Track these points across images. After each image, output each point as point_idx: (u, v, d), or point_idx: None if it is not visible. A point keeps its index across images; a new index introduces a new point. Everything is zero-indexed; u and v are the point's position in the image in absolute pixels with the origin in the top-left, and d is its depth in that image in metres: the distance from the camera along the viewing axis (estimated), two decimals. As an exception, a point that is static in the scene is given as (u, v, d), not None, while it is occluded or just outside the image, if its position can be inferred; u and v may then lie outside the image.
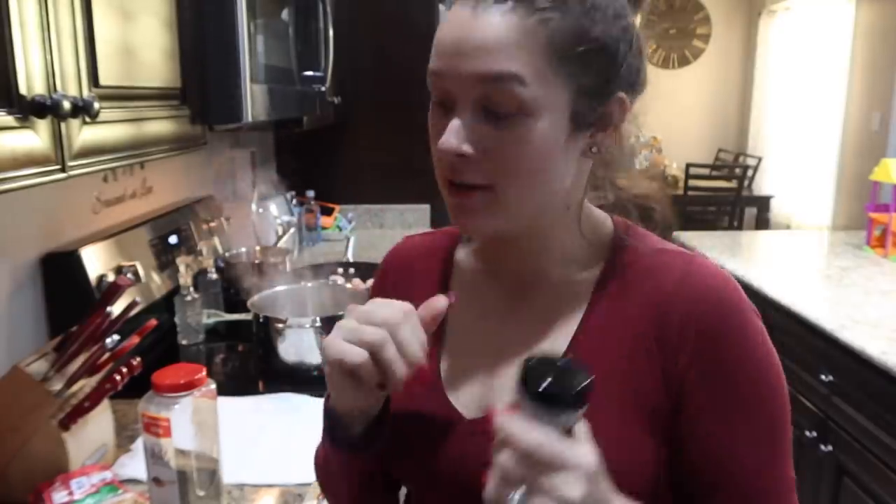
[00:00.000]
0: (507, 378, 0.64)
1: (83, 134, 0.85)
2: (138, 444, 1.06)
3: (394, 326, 0.57)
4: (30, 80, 0.74)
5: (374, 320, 0.57)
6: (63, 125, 0.81)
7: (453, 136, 0.59)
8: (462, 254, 0.76)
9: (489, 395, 0.66)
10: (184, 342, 1.61)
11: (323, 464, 0.73)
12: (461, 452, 0.65)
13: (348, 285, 1.84)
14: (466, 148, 0.59)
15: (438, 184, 0.64)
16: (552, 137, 0.59)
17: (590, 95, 0.60)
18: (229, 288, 1.80)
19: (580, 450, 0.48)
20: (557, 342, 0.65)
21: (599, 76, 0.60)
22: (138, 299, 1.03)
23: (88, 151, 0.87)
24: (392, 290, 0.76)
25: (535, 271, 0.69)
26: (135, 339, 1.01)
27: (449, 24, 0.60)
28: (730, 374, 0.61)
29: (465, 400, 0.68)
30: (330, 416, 0.66)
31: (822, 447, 1.85)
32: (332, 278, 1.97)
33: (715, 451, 0.61)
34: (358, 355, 0.56)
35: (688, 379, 0.61)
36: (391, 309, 0.58)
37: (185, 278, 1.58)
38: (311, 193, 2.71)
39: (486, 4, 0.57)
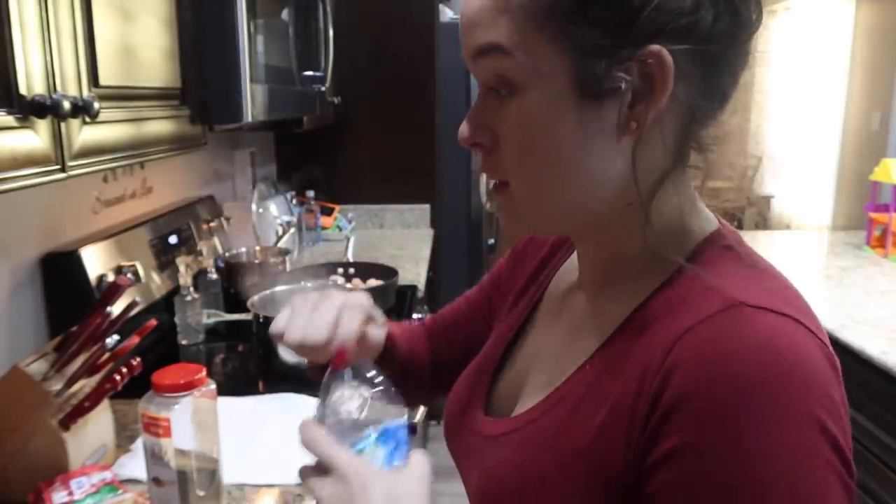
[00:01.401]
0: (528, 387, 0.62)
1: (83, 134, 0.85)
2: (138, 444, 1.06)
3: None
4: (30, 80, 0.74)
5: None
6: (63, 125, 0.81)
7: (466, 123, 0.55)
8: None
9: (512, 400, 0.64)
10: (184, 342, 1.61)
11: None
12: (466, 442, 0.66)
13: (348, 285, 1.84)
14: (477, 136, 0.55)
15: None
16: (556, 110, 0.49)
17: (600, 54, 0.47)
18: (229, 288, 1.80)
19: (350, 460, 0.53)
20: (567, 368, 0.57)
21: (606, 27, 0.47)
22: (138, 299, 1.03)
23: (88, 151, 0.87)
24: (514, 259, 0.78)
25: (591, 277, 0.60)
26: (135, 339, 1.01)
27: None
28: (690, 482, 0.43)
29: (499, 395, 0.68)
30: None
31: (822, 447, 1.85)
32: (332, 278, 1.97)
33: None
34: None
35: (647, 457, 0.46)
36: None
37: (185, 278, 1.58)
38: (311, 193, 2.71)
39: None
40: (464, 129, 0.55)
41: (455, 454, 0.69)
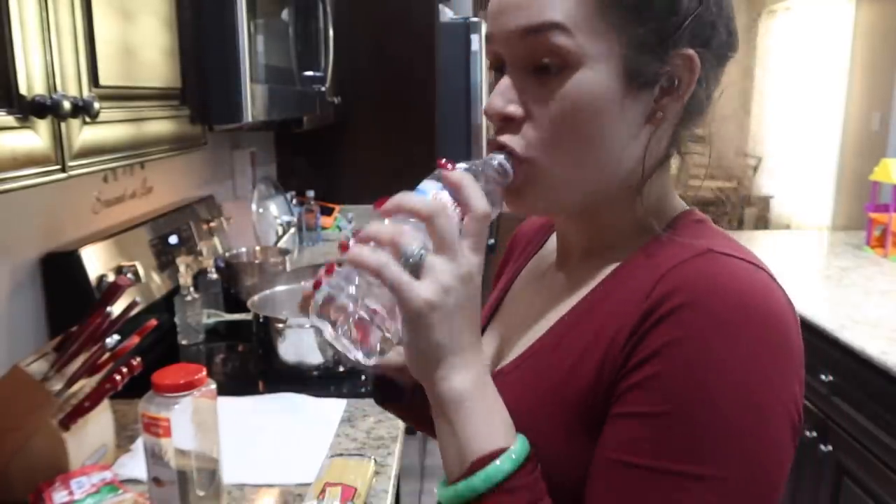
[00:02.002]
0: (510, 348, 0.67)
1: (83, 134, 0.85)
2: (138, 444, 1.06)
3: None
4: (30, 80, 0.74)
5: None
6: (63, 125, 0.81)
7: (499, 96, 0.57)
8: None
9: (495, 362, 0.68)
10: (184, 342, 1.61)
11: None
12: None
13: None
14: (513, 108, 0.56)
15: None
16: (603, 93, 0.54)
17: (646, 49, 0.53)
18: (229, 288, 1.80)
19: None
20: (545, 324, 0.62)
21: (656, 27, 0.53)
22: (138, 299, 1.03)
23: (88, 151, 0.87)
24: (508, 253, 0.84)
25: (573, 254, 0.66)
26: (135, 339, 1.01)
27: None
28: (668, 376, 0.48)
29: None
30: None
31: (822, 447, 1.85)
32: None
33: (599, 449, 0.52)
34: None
35: (626, 366, 0.51)
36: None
37: (185, 278, 1.58)
38: (311, 193, 2.71)
39: None
40: (496, 101, 0.57)
41: None
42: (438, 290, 0.50)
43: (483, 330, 0.74)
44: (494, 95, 0.57)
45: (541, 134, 0.56)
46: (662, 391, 0.48)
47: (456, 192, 0.53)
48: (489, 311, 0.77)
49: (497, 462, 0.51)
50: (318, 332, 1.46)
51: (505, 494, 0.50)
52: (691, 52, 0.54)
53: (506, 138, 0.57)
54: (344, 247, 0.53)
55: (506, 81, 0.57)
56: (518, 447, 0.52)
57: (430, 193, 0.54)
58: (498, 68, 0.59)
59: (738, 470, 0.47)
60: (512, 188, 0.58)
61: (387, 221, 0.53)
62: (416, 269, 0.51)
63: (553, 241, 0.73)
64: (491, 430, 0.53)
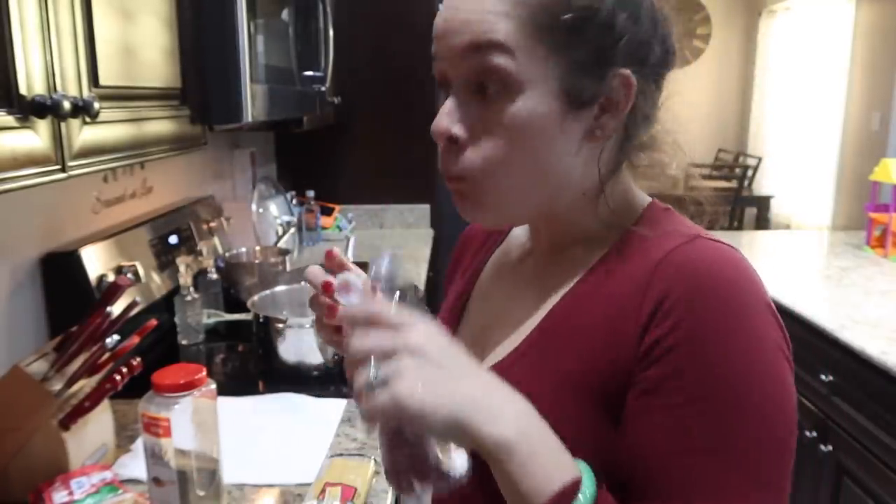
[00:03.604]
0: (492, 343, 0.67)
1: (83, 134, 0.85)
2: (138, 444, 1.06)
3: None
4: (30, 80, 0.74)
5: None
6: (63, 125, 0.81)
7: (444, 116, 0.58)
8: (519, 228, 0.77)
9: (478, 355, 0.67)
10: (184, 342, 1.61)
11: None
12: None
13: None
14: (457, 130, 0.58)
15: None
16: (544, 115, 0.56)
17: (584, 70, 0.56)
18: (229, 288, 1.80)
19: (411, 317, 0.52)
20: (538, 314, 0.64)
21: (593, 49, 0.55)
22: (138, 299, 1.03)
23: (88, 151, 0.87)
24: (458, 256, 0.85)
25: (554, 249, 0.67)
26: (135, 339, 1.01)
27: (443, 5, 0.59)
28: (694, 365, 0.52)
29: None
30: None
31: (822, 447, 1.85)
32: (332, 278, 1.97)
33: (648, 443, 0.53)
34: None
35: (649, 356, 0.53)
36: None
37: (185, 278, 1.58)
38: (311, 193, 2.71)
39: None
40: (442, 121, 0.58)
41: None
42: (411, 378, 0.48)
43: (454, 331, 0.75)
44: (440, 116, 0.59)
45: (484, 154, 0.57)
46: (693, 380, 0.52)
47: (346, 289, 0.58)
48: (453, 312, 0.77)
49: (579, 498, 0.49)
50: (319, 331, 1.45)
51: None
52: (627, 71, 0.56)
53: (450, 160, 0.59)
54: (328, 287, 0.60)
55: (451, 102, 0.59)
56: (586, 478, 0.50)
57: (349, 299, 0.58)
58: (445, 86, 0.60)
59: (772, 424, 0.52)
60: (463, 202, 0.61)
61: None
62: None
63: (515, 234, 0.76)
64: (556, 466, 0.50)
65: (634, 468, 0.54)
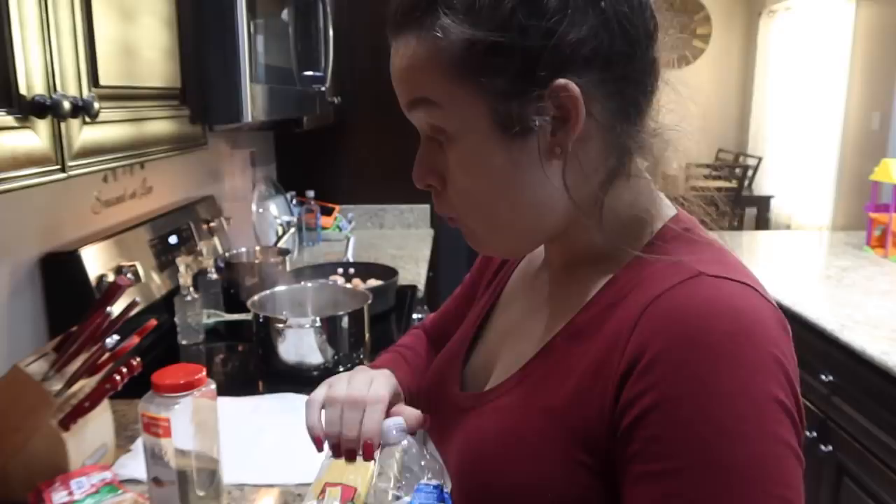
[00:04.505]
0: (501, 361, 0.68)
1: (83, 134, 0.85)
2: (138, 444, 1.06)
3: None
4: (30, 80, 0.74)
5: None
6: (63, 125, 0.81)
7: (418, 166, 0.61)
8: None
9: (485, 374, 0.69)
10: (184, 342, 1.61)
11: None
12: (443, 418, 0.71)
13: (348, 285, 1.84)
14: (430, 180, 0.60)
15: None
16: (488, 153, 0.55)
17: (512, 97, 0.53)
18: (229, 288, 1.80)
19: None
20: (538, 341, 0.62)
21: (513, 73, 0.52)
22: (138, 299, 1.03)
23: (88, 151, 0.87)
24: (483, 263, 0.86)
25: (565, 265, 0.65)
26: (135, 339, 1.01)
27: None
28: (670, 429, 0.47)
29: (472, 373, 0.73)
30: None
31: (822, 447, 1.85)
32: (332, 278, 1.97)
33: None
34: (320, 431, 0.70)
35: (626, 414, 0.50)
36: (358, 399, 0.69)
37: (185, 278, 1.58)
38: (311, 193, 2.71)
39: (395, 40, 0.59)
40: (416, 172, 0.61)
41: (436, 435, 0.73)
42: None
43: (473, 341, 0.75)
44: (416, 165, 0.61)
45: (457, 199, 0.59)
46: (671, 447, 0.47)
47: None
48: (476, 321, 0.77)
49: None
50: (319, 332, 1.46)
51: None
52: (563, 81, 0.52)
53: (437, 204, 0.62)
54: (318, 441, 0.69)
55: (420, 151, 0.60)
56: None
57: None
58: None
59: (761, 484, 0.46)
60: (468, 238, 0.62)
61: None
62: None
63: (533, 258, 0.75)
64: None
65: None
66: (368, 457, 0.68)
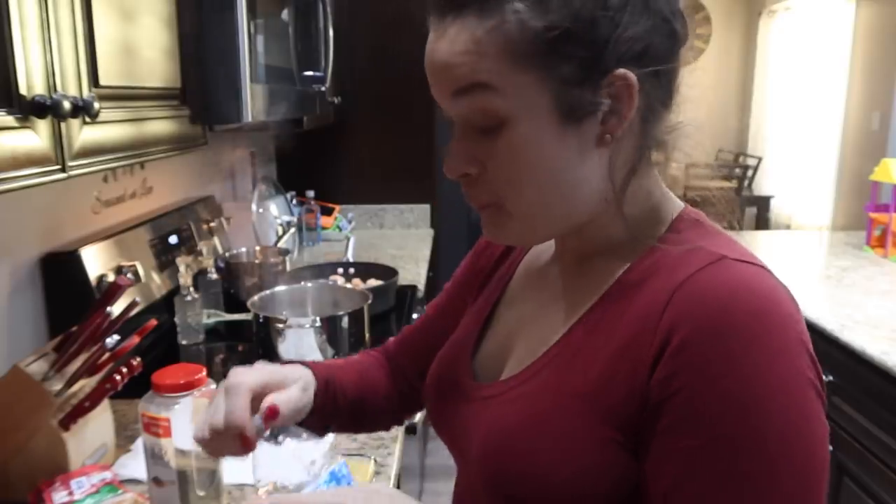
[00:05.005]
0: (516, 351, 0.67)
1: (83, 134, 0.85)
2: (138, 444, 1.06)
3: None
4: (30, 80, 0.74)
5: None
6: (63, 125, 0.81)
7: (452, 158, 0.60)
8: None
9: (498, 365, 0.68)
10: (184, 342, 1.61)
11: None
12: (454, 409, 0.70)
13: (348, 285, 1.84)
14: (468, 168, 0.59)
15: None
16: (543, 138, 0.56)
17: (575, 84, 0.54)
18: (229, 288, 1.80)
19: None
20: (557, 329, 0.63)
21: (580, 60, 0.54)
22: (138, 299, 1.03)
23: (88, 151, 0.87)
24: (479, 251, 0.85)
25: (579, 258, 0.66)
26: (135, 339, 1.01)
27: (426, 52, 0.60)
28: (705, 405, 0.50)
29: (481, 364, 0.72)
30: None
31: (822, 447, 1.85)
32: (332, 278, 1.97)
33: (662, 486, 0.52)
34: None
35: (660, 392, 0.52)
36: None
37: (185, 278, 1.58)
38: (311, 193, 2.71)
39: (444, 24, 0.57)
40: (452, 163, 0.60)
41: (447, 427, 0.72)
42: None
43: (480, 335, 0.75)
44: (450, 158, 0.60)
45: (498, 184, 0.59)
46: (705, 421, 0.50)
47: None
48: (481, 317, 0.76)
49: None
50: (319, 332, 1.46)
51: None
52: (623, 71, 0.54)
53: (471, 193, 0.61)
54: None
55: (454, 146, 0.60)
56: None
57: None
58: (450, 122, 0.61)
59: (795, 461, 0.52)
60: (489, 224, 0.62)
61: None
62: None
63: (541, 249, 0.75)
64: None
65: None
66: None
